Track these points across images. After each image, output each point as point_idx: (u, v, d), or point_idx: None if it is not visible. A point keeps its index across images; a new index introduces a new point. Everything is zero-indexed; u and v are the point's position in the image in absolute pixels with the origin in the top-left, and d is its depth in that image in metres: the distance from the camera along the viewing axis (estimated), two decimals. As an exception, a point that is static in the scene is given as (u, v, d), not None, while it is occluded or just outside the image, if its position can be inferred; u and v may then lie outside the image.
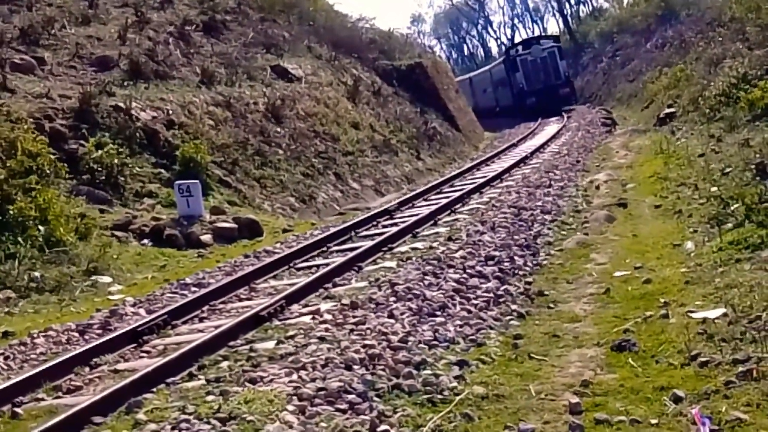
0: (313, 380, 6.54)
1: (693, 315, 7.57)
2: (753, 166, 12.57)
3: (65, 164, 16.31)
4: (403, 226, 13.86)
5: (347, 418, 5.88)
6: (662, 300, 8.30)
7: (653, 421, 5.60)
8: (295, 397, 6.17)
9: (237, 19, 30.39)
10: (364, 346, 7.29)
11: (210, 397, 6.38)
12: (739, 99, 19.97)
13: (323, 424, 5.76)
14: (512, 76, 55.17)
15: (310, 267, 11.91)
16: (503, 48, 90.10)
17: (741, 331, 6.81)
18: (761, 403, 5.49)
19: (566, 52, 60.07)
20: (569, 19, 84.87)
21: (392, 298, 8.96)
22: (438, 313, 8.47)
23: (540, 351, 7.42)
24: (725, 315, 7.30)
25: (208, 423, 5.81)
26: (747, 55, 23.47)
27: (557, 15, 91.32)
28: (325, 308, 8.98)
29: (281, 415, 5.83)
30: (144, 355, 8.52)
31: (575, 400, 6.07)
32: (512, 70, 55.27)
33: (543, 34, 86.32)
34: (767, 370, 5.91)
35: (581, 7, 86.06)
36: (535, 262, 10.90)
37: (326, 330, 8.02)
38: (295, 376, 6.67)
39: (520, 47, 57.47)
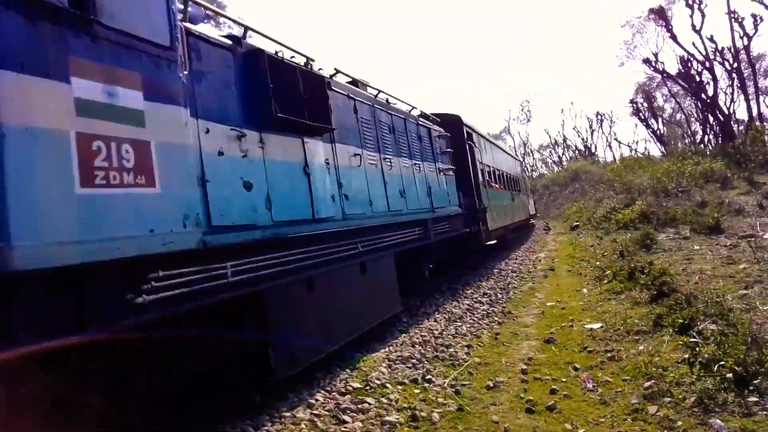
0: (396, 352, 6.46)
1: (585, 326, 7.22)
2: (618, 252, 12.03)
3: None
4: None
5: (411, 371, 5.78)
6: (570, 318, 7.92)
7: (563, 380, 5.35)
8: (387, 360, 6.11)
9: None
10: (421, 336, 7.17)
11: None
12: (611, 218, 19.24)
13: (399, 373, 5.67)
14: None
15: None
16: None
17: (609, 335, 6.48)
18: (619, 373, 5.20)
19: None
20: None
21: (435, 312, 8.82)
22: (458, 320, 8.28)
23: (507, 341, 7.16)
24: (602, 327, 6.95)
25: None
26: (615, 198, 22.82)
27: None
28: (404, 316, 8.87)
29: (379, 368, 5.77)
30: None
31: (524, 367, 5.86)
32: None
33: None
34: (622, 356, 5.60)
35: (533, 173, 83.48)
36: (507, 296, 10.52)
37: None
38: (387, 349, 6.60)
39: None
